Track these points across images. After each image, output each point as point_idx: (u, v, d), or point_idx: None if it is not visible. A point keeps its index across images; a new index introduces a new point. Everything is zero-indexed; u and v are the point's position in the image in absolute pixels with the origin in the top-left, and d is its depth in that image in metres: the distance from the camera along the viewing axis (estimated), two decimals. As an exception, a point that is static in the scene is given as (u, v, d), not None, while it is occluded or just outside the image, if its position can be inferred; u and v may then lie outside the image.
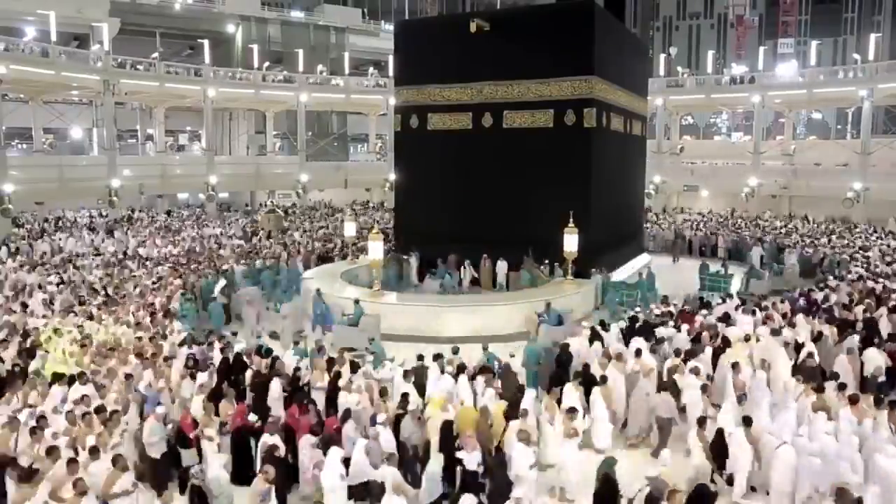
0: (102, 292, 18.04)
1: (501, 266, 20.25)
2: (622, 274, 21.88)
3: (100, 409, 9.37)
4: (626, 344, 12.75)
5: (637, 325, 14.17)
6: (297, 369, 11.66)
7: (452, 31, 21.95)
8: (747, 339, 12.68)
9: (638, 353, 11.72)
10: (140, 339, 13.36)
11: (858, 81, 36.01)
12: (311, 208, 43.16)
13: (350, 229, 23.01)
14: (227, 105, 45.46)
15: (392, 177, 31.52)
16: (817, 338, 12.74)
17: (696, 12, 78.04)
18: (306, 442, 8.89)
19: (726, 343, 12.51)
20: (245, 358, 12.09)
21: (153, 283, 19.09)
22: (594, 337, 13.26)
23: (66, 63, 33.15)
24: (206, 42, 39.56)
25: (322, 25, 51.20)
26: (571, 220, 18.03)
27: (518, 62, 20.24)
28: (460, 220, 20.95)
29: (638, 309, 16.26)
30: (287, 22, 50.89)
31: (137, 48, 40.26)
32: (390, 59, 35.84)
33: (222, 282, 19.18)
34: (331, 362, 11.67)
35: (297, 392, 10.71)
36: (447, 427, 9.26)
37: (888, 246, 26.46)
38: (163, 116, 44.76)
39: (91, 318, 14.81)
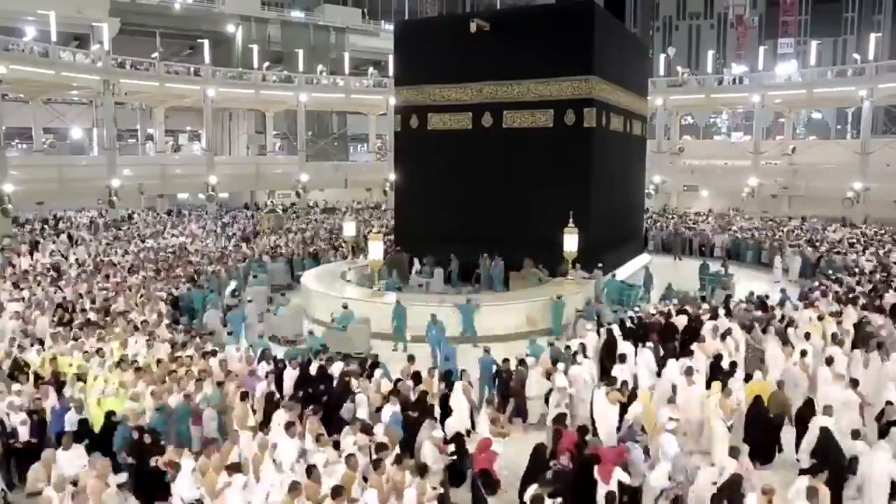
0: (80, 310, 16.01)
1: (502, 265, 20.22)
2: (622, 274, 21.88)
3: (381, 447, 8.08)
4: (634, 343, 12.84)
5: (638, 324, 14.17)
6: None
7: (452, 31, 21.95)
8: (820, 318, 13.59)
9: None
10: (190, 357, 11.97)
11: (858, 81, 36.02)
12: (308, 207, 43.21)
13: (350, 229, 23.02)
14: (227, 105, 45.48)
15: (392, 177, 31.52)
16: (858, 323, 13.62)
17: (696, 12, 78.01)
18: (619, 478, 7.69)
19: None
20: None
21: (140, 299, 16.96)
22: (609, 336, 13.12)
23: (66, 63, 33.18)
24: (206, 42, 39.61)
25: (322, 25, 51.21)
26: (571, 220, 18.03)
27: (518, 62, 20.24)
28: (460, 220, 20.94)
29: (638, 308, 16.27)
30: (287, 22, 50.90)
31: (137, 48, 40.27)
32: (390, 59, 35.82)
33: (233, 283, 19.08)
34: (416, 376, 10.98)
35: (424, 414, 9.53)
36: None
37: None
38: (163, 116, 44.81)
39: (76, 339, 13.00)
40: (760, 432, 9.42)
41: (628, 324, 14.10)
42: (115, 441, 8.97)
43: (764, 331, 13.26)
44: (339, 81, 45.14)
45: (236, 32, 48.34)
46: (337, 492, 6.92)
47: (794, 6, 70.74)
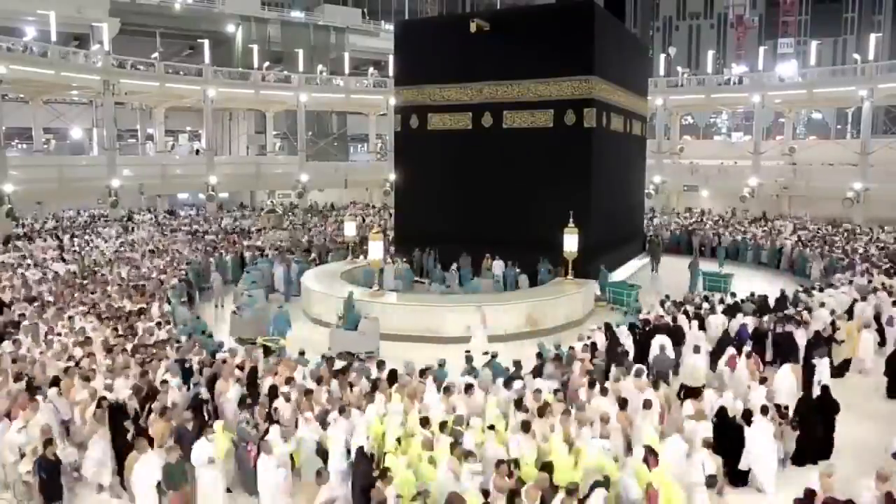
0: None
1: (501, 266, 20.23)
2: (622, 274, 21.92)
3: None
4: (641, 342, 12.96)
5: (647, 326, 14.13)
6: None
7: (452, 31, 21.97)
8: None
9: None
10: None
11: (858, 81, 35.98)
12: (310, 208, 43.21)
13: (350, 229, 23.03)
14: (227, 105, 45.46)
15: (392, 177, 31.52)
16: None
17: (696, 12, 78.01)
18: None
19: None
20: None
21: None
22: (611, 336, 13.09)
23: (66, 63, 33.16)
24: (206, 42, 39.57)
25: (322, 25, 51.21)
26: (571, 220, 18.04)
27: (518, 62, 20.25)
28: (460, 220, 20.97)
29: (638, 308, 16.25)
30: (287, 22, 50.90)
31: (137, 48, 40.25)
32: (390, 59, 35.81)
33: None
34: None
35: None
36: None
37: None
38: (163, 116, 44.79)
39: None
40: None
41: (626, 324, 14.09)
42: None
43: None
44: (339, 81, 45.14)
45: (236, 32, 48.33)
46: None
47: (794, 6, 70.73)
